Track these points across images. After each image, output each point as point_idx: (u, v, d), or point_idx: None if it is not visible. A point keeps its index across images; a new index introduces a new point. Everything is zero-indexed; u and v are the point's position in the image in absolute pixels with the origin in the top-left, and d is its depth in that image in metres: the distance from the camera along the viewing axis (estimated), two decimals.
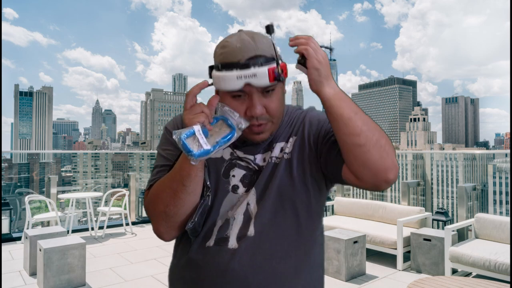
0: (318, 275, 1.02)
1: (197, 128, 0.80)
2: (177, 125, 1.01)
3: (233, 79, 0.86)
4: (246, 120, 0.87)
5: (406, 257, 4.28)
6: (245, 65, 0.86)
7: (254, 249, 0.90)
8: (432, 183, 5.97)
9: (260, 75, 0.85)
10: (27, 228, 5.06)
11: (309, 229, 0.98)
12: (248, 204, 0.94)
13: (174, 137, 0.80)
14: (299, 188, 0.95)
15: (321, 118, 0.99)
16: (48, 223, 5.79)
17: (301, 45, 0.84)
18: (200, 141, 0.80)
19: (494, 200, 5.86)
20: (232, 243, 0.91)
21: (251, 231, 0.91)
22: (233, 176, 0.96)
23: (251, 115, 0.89)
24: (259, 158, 0.98)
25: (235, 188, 0.95)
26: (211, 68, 0.93)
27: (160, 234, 0.95)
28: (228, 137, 0.83)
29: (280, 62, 0.88)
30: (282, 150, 0.98)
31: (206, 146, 0.80)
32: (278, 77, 0.87)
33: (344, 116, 0.83)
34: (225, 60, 0.88)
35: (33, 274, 4.01)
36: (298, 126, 1.00)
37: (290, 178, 0.95)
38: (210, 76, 0.92)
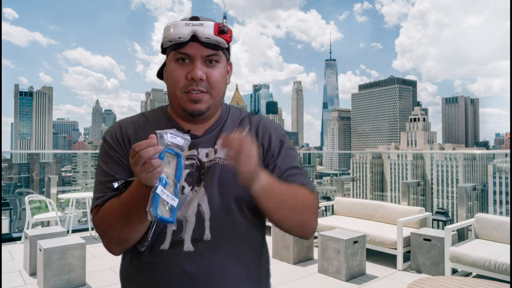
0: (267, 269, 1.06)
1: (159, 190, 0.77)
2: (115, 133, 1.01)
3: (182, 26, 0.91)
4: (182, 134, 0.82)
5: (406, 257, 4.28)
6: (194, 18, 0.94)
7: (211, 252, 0.92)
8: (432, 183, 5.98)
9: (207, 25, 0.91)
10: (27, 228, 5.06)
11: (258, 228, 1.02)
12: (199, 204, 0.94)
13: (149, 218, 0.76)
14: (248, 192, 0.96)
15: (275, 138, 1.03)
16: (48, 223, 5.79)
17: (232, 149, 0.81)
18: (167, 200, 0.78)
19: (494, 200, 5.87)
20: (188, 246, 0.92)
21: (207, 235, 0.92)
22: None
23: (191, 78, 0.92)
24: (202, 152, 0.98)
25: (181, 189, 0.94)
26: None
27: (112, 252, 0.96)
28: (179, 166, 0.81)
29: (225, 24, 0.94)
30: None
31: (173, 201, 0.79)
32: (223, 31, 0.92)
33: (270, 210, 0.91)
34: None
35: (33, 274, 4.01)
36: (262, 139, 1.03)
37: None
38: (163, 53, 1.00)
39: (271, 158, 1.01)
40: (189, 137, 0.82)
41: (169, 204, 0.78)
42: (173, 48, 0.95)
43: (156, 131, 0.79)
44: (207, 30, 0.91)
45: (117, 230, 0.89)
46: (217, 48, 0.94)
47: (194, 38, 0.91)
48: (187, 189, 0.95)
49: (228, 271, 0.93)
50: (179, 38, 0.91)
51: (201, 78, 0.93)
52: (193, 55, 0.93)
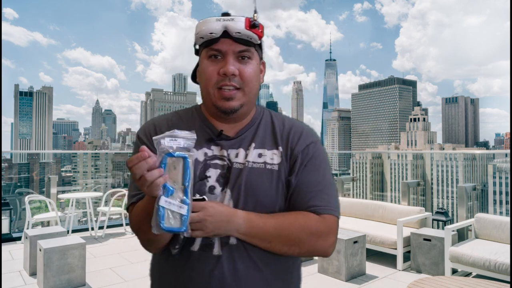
0: (298, 275, 1.05)
1: (163, 201, 0.75)
2: (149, 131, 1.01)
3: (213, 21, 0.91)
4: (189, 134, 0.79)
5: (406, 257, 4.28)
6: (225, 14, 0.94)
7: (236, 258, 0.92)
8: (432, 183, 5.98)
9: (238, 20, 0.91)
10: (27, 228, 5.06)
11: None
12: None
13: (156, 232, 0.76)
14: (281, 202, 0.96)
15: (301, 144, 1.00)
16: (48, 223, 5.79)
17: (195, 221, 0.82)
18: (173, 209, 0.76)
19: (494, 200, 5.87)
20: (217, 249, 0.92)
21: (232, 239, 0.92)
22: (209, 177, 0.96)
23: (223, 73, 0.92)
24: (232, 154, 0.98)
25: (212, 188, 0.95)
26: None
27: (147, 250, 0.98)
28: (187, 169, 0.77)
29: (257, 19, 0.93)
30: (260, 156, 0.97)
31: (182, 209, 0.76)
32: (254, 25, 0.91)
33: (262, 247, 0.92)
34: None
35: (33, 274, 4.01)
36: (293, 143, 1.00)
37: (276, 191, 0.95)
38: (197, 54, 1.00)
39: (291, 170, 0.97)
40: (194, 135, 0.79)
41: (178, 213, 0.76)
42: (205, 45, 0.95)
43: (153, 137, 0.78)
44: (238, 24, 0.90)
45: (145, 232, 0.90)
46: (249, 43, 0.93)
47: (226, 34, 0.91)
48: (218, 189, 0.94)
49: (255, 277, 0.93)
50: (211, 33, 0.91)
51: (234, 73, 0.92)
52: (225, 51, 0.93)
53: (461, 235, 4.48)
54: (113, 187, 8.63)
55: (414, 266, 4.15)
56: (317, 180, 0.97)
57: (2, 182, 6.61)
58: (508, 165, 6.81)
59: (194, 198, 0.83)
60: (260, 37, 0.94)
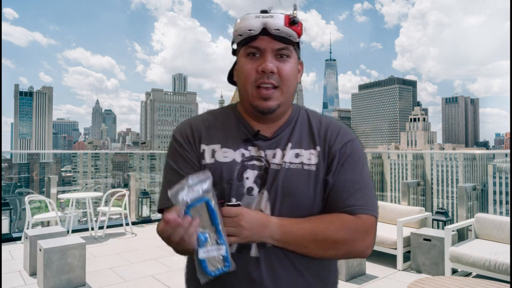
0: (335, 279, 1.04)
1: (201, 254, 0.78)
2: (185, 132, 1.01)
3: (252, 18, 0.91)
4: (202, 175, 0.81)
5: (406, 257, 4.27)
6: (264, 11, 0.93)
7: (273, 260, 0.91)
8: (432, 183, 5.97)
9: (277, 16, 0.90)
10: (27, 228, 5.06)
11: None
12: (261, 210, 0.93)
13: (204, 280, 0.79)
14: (319, 203, 0.95)
15: (338, 142, 0.98)
16: (48, 223, 5.79)
17: (230, 227, 0.84)
18: (213, 255, 0.79)
19: (494, 200, 5.86)
20: (254, 251, 0.91)
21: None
22: (247, 178, 0.94)
23: (262, 70, 0.91)
24: (269, 154, 0.96)
25: (250, 190, 0.93)
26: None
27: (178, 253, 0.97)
28: (212, 211, 0.79)
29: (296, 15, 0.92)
30: (297, 156, 0.96)
31: (221, 250, 0.79)
32: (293, 22, 0.90)
33: (300, 252, 0.91)
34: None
35: (33, 274, 4.01)
36: (331, 142, 0.98)
37: (314, 192, 0.94)
38: (234, 53, 0.99)
39: (328, 169, 0.96)
40: (208, 174, 0.81)
41: (219, 256, 0.79)
42: (243, 43, 0.94)
43: (169, 195, 0.78)
44: (277, 21, 0.89)
45: (174, 244, 0.90)
46: (287, 41, 0.92)
47: (265, 31, 0.90)
48: (256, 190, 0.93)
49: (292, 279, 0.92)
50: (250, 30, 0.91)
51: (272, 71, 0.91)
52: (264, 48, 0.92)
53: (461, 235, 4.48)
54: (113, 187, 8.64)
55: (414, 266, 4.15)
56: (354, 179, 0.95)
57: (2, 182, 6.61)
58: (508, 165, 6.82)
59: (229, 204, 0.85)
60: (299, 34, 0.93)
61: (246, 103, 0.98)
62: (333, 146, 0.97)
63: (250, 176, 0.94)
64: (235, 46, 0.98)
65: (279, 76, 0.92)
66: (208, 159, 0.97)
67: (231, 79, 1.04)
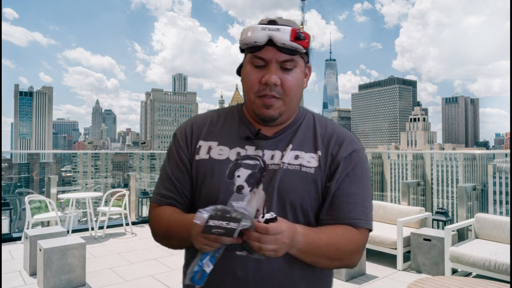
0: (328, 279, 1.03)
1: (206, 260, 0.83)
2: (185, 129, 1.04)
3: (258, 30, 0.91)
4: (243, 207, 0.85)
5: (406, 257, 4.27)
6: (271, 22, 0.93)
7: (261, 259, 0.91)
8: (432, 183, 5.97)
9: (283, 30, 0.89)
10: (27, 228, 5.06)
11: None
12: (257, 210, 0.93)
13: (186, 282, 0.84)
14: (311, 205, 0.95)
15: (343, 151, 0.98)
16: (48, 223, 5.79)
17: (272, 244, 0.81)
18: (205, 268, 0.84)
19: (494, 200, 5.86)
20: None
21: None
22: (238, 176, 0.95)
23: (265, 82, 0.92)
24: (268, 154, 0.97)
25: (240, 188, 0.94)
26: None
27: (160, 244, 1.04)
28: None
29: (303, 29, 0.92)
30: (297, 158, 0.96)
31: (208, 268, 0.83)
32: (299, 37, 0.90)
33: (308, 262, 0.91)
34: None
35: (33, 274, 4.01)
36: (335, 149, 0.98)
37: (310, 195, 0.94)
38: (242, 51, 0.99)
39: (331, 177, 0.96)
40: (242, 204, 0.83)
41: (205, 271, 0.83)
42: (249, 50, 0.94)
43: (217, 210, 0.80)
44: (283, 36, 0.89)
45: (168, 242, 0.98)
46: (293, 53, 0.92)
47: (271, 42, 0.90)
48: (246, 189, 0.94)
49: (280, 278, 0.92)
50: (255, 42, 0.91)
51: (275, 83, 0.92)
52: (269, 59, 0.92)
53: (461, 235, 4.48)
54: (113, 187, 8.64)
55: (414, 266, 4.15)
56: (358, 191, 0.96)
57: (2, 182, 6.61)
58: (508, 165, 6.81)
59: (266, 218, 0.80)
60: (306, 47, 0.93)
61: (249, 109, 1.00)
62: (338, 154, 0.97)
63: (242, 174, 0.95)
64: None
65: (282, 88, 0.93)
66: (203, 155, 1.00)
67: (239, 73, 1.04)
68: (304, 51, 0.94)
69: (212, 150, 1.00)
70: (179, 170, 1.01)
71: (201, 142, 1.01)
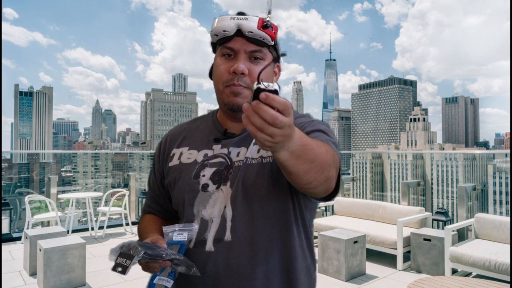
0: (305, 277, 0.98)
1: (156, 280, 0.91)
2: (161, 142, 1.13)
3: (227, 20, 0.92)
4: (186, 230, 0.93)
5: (406, 257, 4.28)
6: (240, 13, 0.95)
7: (230, 254, 0.91)
8: (432, 183, 5.98)
9: (251, 19, 0.91)
10: (27, 228, 5.06)
11: (288, 236, 0.95)
12: (225, 206, 0.94)
13: None
14: (277, 195, 0.94)
15: (306, 121, 0.98)
16: (48, 223, 5.79)
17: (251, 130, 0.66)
18: (163, 284, 0.91)
19: (494, 200, 5.86)
20: (209, 246, 0.92)
21: (228, 235, 0.92)
22: (203, 176, 0.97)
23: (233, 71, 0.93)
24: (234, 152, 0.98)
25: (205, 186, 0.95)
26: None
27: None
28: (182, 251, 0.93)
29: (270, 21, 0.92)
30: (259, 151, 0.97)
31: (168, 283, 0.91)
32: (266, 26, 0.91)
33: (300, 172, 0.74)
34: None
35: (33, 274, 4.01)
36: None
37: (273, 184, 0.93)
38: (214, 51, 1.02)
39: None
40: (193, 225, 0.94)
41: (166, 286, 0.90)
42: (219, 43, 0.96)
43: (163, 230, 0.93)
44: (251, 24, 0.91)
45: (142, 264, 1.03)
46: (262, 44, 0.94)
47: (239, 32, 0.92)
48: (212, 187, 0.95)
49: (249, 274, 0.91)
50: (224, 31, 0.93)
51: (243, 72, 0.93)
52: (237, 49, 0.94)
53: (461, 235, 4.48)
54: (113, 187, 8.64)
55: (414, 266, 4.15)
56: (323, 129, 0.94)
57: (2, 182, 6.61)
58: (508, 165, 6.81)
59: (265, 88, 0.61)
60: (273, 38, 0.94)
61: (220, 101, 1.01)
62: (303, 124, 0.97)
63: (207, 173, 0.97)
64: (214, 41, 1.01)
65: (249, 78, 0.94)
66: (174, 161, 1.05)
67: (211, 75, 1.06)
68: (272, 43, 0.94)
69: (182, 155, 1.04)
70: (155, 181, 1.11)
71: (174, 150, 1.07)
